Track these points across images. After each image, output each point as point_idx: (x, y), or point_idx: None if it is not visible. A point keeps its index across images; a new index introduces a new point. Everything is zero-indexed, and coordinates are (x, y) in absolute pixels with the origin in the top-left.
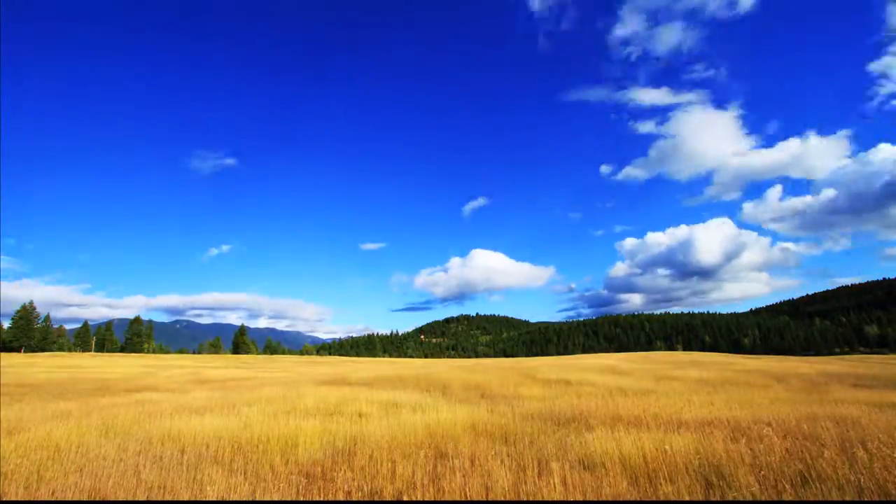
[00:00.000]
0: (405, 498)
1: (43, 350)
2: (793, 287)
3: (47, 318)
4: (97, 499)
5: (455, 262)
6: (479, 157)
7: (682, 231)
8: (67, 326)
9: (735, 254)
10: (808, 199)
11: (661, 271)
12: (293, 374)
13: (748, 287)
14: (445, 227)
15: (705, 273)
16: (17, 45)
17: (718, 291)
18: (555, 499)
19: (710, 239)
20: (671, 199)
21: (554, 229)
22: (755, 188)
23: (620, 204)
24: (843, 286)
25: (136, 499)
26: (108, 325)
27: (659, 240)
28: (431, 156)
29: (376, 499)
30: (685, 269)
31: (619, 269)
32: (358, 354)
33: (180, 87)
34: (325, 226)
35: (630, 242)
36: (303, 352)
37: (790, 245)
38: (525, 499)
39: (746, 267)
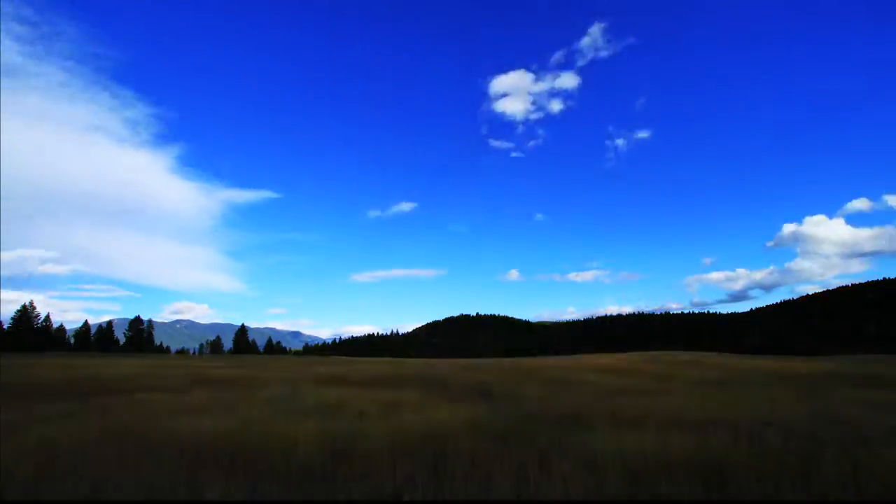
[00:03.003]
0: (405, 498)
1: (43, 350)
2: None
3: (47, 317)
4: (97, 499)
5: None
6: None
7: None
8: (67, 326)
9: None
10: None
11: None
12: (293, 374)
13: None
14: None
15: None
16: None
17: None
18: (555, 499)
19: None
20: None
21: None
22: None
23: None
24: (842, 286)
25: (136, 499)
26: (109, 325)
27: None
28: None
29: (376, 499)
30: None
31: None
32: (358, 354)
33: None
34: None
35: None
36: (303, 352)
37: None
38: (525, 499)
39: None
